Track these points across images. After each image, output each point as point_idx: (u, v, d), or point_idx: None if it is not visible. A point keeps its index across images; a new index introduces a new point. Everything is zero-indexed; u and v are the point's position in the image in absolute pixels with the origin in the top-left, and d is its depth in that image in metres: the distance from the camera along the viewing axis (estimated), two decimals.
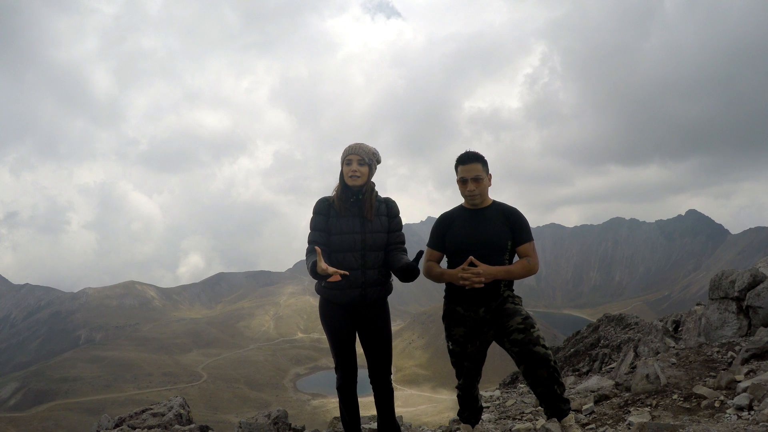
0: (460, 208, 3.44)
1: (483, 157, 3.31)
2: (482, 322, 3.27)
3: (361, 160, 3.36)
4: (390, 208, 3.48)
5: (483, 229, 3.26)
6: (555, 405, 3.16)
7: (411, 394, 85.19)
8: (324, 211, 3.38)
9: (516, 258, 3.34)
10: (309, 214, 3.43)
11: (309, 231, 3.39)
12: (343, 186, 3.40)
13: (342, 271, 3.02)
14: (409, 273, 3.13)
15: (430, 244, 3.45)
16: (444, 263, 3.44)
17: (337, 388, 3.50)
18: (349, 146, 3.41)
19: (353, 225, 3.33)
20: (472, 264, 3.13)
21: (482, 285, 3.12)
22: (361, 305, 3.34)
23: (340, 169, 3.45)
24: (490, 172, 3.37)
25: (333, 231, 3.33)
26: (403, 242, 3.52)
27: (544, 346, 3.10)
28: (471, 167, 3.27)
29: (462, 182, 3.31)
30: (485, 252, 3.19)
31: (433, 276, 3.37)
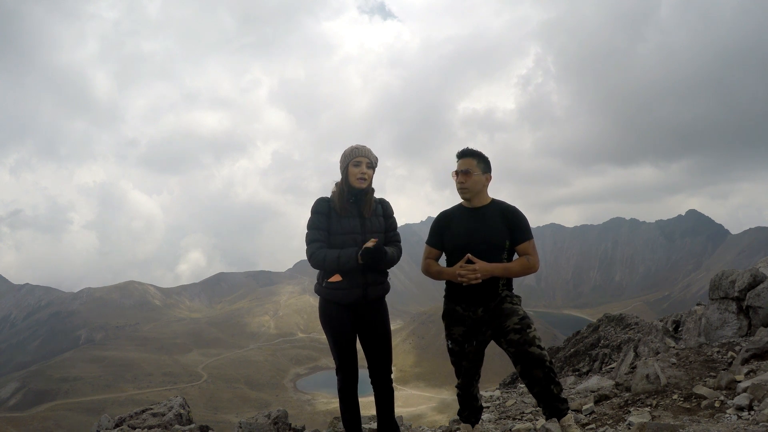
0: (459, 206, 3.44)
1: (479, 154, 3.31)
2: (480, 322, 3.27)
3: (369, 163, 3.40)
4: (385, 209, 3.57)
5: (480, 228, 3.27)
6: (552, 405, 3.16)
7: (410, 393, 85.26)
8: (324, 210, 3.40)
9: (516, 257, 3.34)
10: (308, 214, 3.43)
11: (307, 231, 3.39)
12: (347, 187, 3.41)
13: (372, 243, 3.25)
14: (367, 255, 3.24)
15: (429, 242, 3.48)
16: (443, 261, 3.46)
17: (339, 390, 3.51)
18: (357, 148, 3.42)
19: (354, 225, 3.37)
20: (470, 262, 3.15)
21: (479, 281, 3.13)
22: (362, 304, 3.39)
23: (341, 169, 3.45)
24: (489, 173, 3.36)
25: (334, 231, 3.36)
26: (399, 240, 3.61)
27: (539, 346, 3.10)
28: (463, 162, 3.31)
29: (455, 175, 3.35)
30: (483, 250, 3.20)
31: (432, 273, 3.40)
